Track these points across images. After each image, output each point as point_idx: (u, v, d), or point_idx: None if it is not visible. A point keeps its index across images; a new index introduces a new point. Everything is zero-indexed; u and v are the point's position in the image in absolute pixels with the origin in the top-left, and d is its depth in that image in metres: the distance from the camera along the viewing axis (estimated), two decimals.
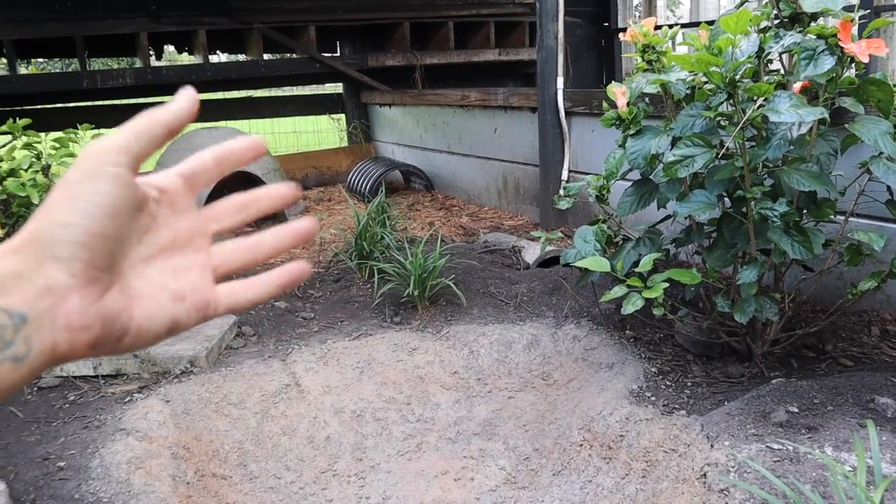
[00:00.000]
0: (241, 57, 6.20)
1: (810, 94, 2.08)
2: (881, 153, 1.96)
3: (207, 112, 5.84)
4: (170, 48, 6.50)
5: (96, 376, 2.63)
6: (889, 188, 2.17)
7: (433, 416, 2.71)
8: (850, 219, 2.35)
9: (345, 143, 6.60)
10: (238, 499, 2.25)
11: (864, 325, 2.70)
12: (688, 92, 2.14)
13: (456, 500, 2.38)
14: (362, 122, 6.40)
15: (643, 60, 2.16)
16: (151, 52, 5.96)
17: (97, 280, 0.44)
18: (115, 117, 5.46)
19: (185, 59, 6.43)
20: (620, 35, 2.56)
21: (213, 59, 5.91)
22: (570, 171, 4.15)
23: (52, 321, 0.42)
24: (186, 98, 0.51)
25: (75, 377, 2.63)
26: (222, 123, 5.52)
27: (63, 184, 0.44)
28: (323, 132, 6.98)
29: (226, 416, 2.54)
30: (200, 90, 5.84)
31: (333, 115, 6.60)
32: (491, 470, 2.48)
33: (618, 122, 2.28)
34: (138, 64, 5.59)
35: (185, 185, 0.53)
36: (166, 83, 5.56)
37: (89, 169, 0.45)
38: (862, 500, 1.30)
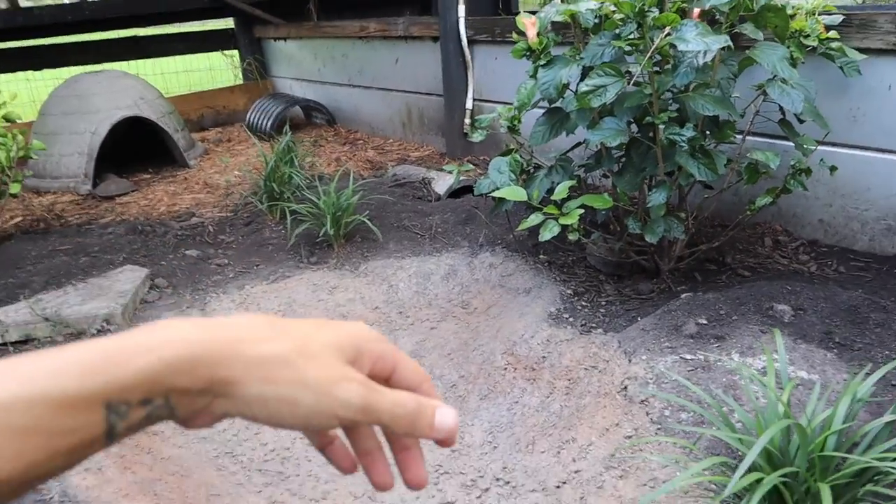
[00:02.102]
0: None
1: (708, 18, 2.16)
2: (776, 76, 2.06)
3: (90, 55, 5.50)
4: None
5: (4, 343, 2.53)
6: (781, 108, 2.29)
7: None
8: (747, 137, 2.47)
9: (240, 81, 6.37)
10: (173, 453, 2.24)
11: (759, 237, 2.88)
12: (596, 21, 2.18)
13: None
14: (257, 58, 6.18)
15: None
16: None
17: None
18: None
19: None
20: None
21: None
22: (474, 100, 4.16)
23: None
24: None
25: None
26: (108, 66, 5.21)
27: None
28: (216, 70, 6.70)
29: None
30: (78, 31, 5.48)
31: (226, 52, 6.34)
32: None
33: (528, 53, 2.31)
34: (3, 5, 5.19)
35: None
36: (40, 25, 5.18)
37: None
38: (773, 399, 1.43)
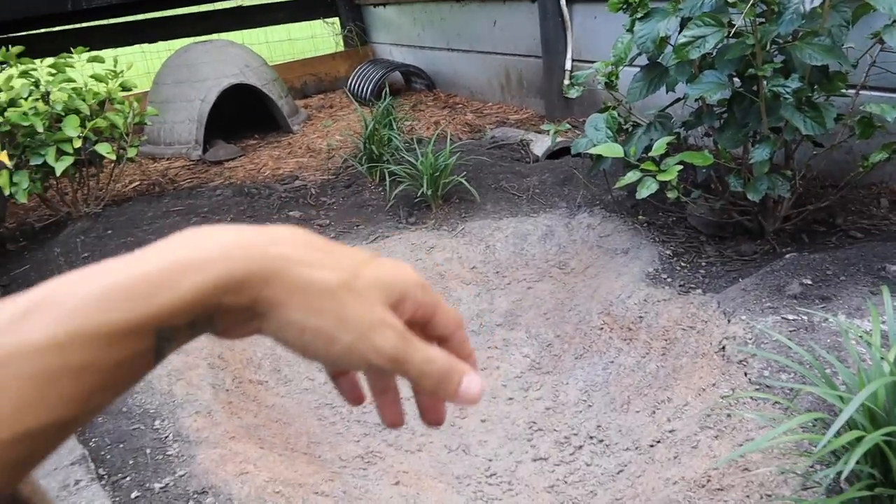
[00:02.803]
0: None
1: None
2: (894, 21, 1.94)
3: (197, 25, 5.71)
4: None
5: None
6: None
7: (456, 309, 2.79)
8: (861, 91, 2.34)
9: (341, 48, 6.48)
10: (276, 402, 2.36)
11: (874, 198, 2.73)
12: None
13: (483, 387, 2.48)
14: (357, 25, 6.26)
15: None
16: None
17: None
18: (105, 37, 5.35)
19: None
20: None
21: None
22: (573, 61, 4.10)
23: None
24: None
25: None
26: (214, 36, 5.40)
27: None
28: (318, 38, 6.83)
29: None
30: (187, 3, 5.69)
31: (327, 20, 6.45)
32: (515, 358, 2.58)
33: (625, 6, 2.25)
34: None
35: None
36: None
37: None
38: (877, 358, 1.37)
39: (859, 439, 1.18)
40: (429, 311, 0.51)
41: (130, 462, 1.90)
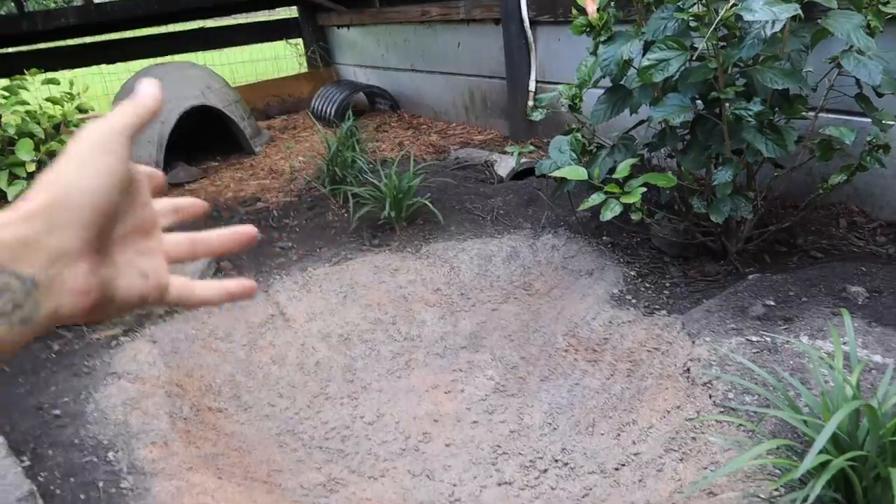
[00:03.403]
0: None
1: None
2: (851, 47, 1.97)
3: (158, 46, 5.64)
4: None
5: (79, 324, 2.62)
6: (858, 82, 2.19)
7: (419, 333, 2.75)
8: (821, 114, 2.37)
9: (304, 69, 6.45)
10: (236, 429, 2.30)
11: (833, 218, 2.77)
12: None
13: (448, 411, 2.45)
14: (321, 46, 6.24)
15: None
16: None
17: (100, 248, 0.47)
18: (61, 58, 5.26)
19: None
20: None
21: None
22: (537, 82, 4.11)
23: (59, 286, 0.45)
24: (151, 89, 0.53)
25: (57, 327, 2.61)
26: (176, 57, 5.34)
27: (73, 154, 0.46)
28: (281, 59, 6.80)
29: (214, 351, 2.56)
30: (148, 24, 5.62)
31: (290, 41, 6.43)
32: (480, 381, 2.54)
33: (588, 29, 2.26)
34: (78, 1, 5.36)
35: (148, 180, 0.55)
36: (111, 20, 5.33)
37: (98, 143, 0.47)
38: (840, 382, 1.37)
39: (824, 464, 1.17)
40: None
41: (82, 497, 1.83)
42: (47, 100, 3.27)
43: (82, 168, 0.45)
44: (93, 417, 2.11)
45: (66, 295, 0.45)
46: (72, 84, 3.31)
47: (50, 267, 0.43)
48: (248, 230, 0.60)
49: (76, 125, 3.26)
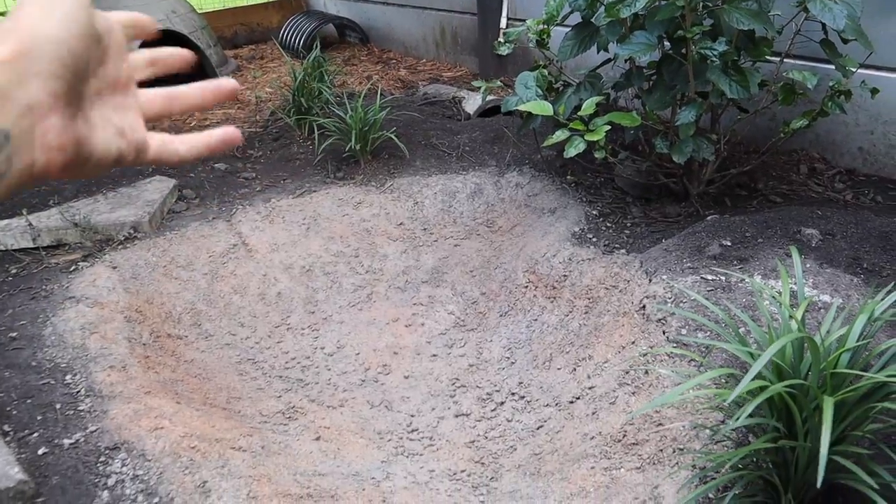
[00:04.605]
0: None
1: None
2: None
3: None
4: None
5: (37, 248, 2.58)
6: (823, 27, 2.20)
7: (381, 266, 2.76)
8: (786, 59, 2.38)
9: None
10: (196, 356, 2.30)
11: (794, 164, 2.80)
12: None
13: (408, 344, 2.48)
14: None
15: None
16: None
17: (72, 102, 0.44)
18: None
19: None
20: None
21: None
22: (508, 19, 4.06)
23: (31, 140, 0.43)
24: None
25: (15, 250, 2.58)
26: None
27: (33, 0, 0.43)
28: None
29: (175, 279, 2.54)
30: None
31: None
32: (440, 315, 2.57)
33: None
34: None
35: (123, 32, 0.52)
36: None
37: None
38: (786, 317, 1.41)
39: (763, 389, 1.21)
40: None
41: (39, 418, 1.83)
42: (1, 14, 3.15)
43: (50, 15, 0.43)
44: (50, 341, 2.10)
45: (40, 150, 0.43)
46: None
47: (21, 119, 0.42)
48: (230, 83, 0.56)
49: None
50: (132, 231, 2.64)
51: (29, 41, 0.42)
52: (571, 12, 2.27)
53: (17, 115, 0.42)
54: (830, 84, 2.25)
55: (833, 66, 2.27)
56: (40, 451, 1.72)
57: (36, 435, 1.78)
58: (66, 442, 1.75)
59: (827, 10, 2.01)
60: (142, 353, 2.17)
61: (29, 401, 1.88)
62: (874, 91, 2.28)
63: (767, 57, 2.20)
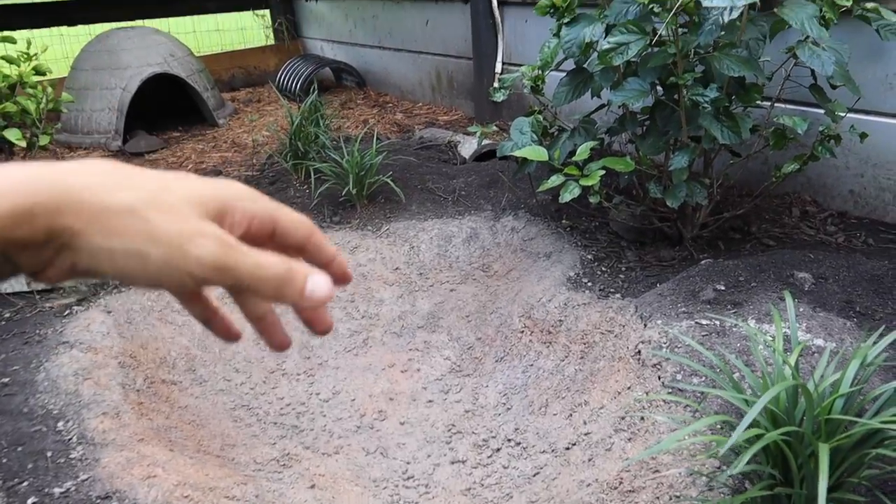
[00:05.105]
0: None
1: None
2: (807, 37, 2.00)
3: (123, 10, 5.52)
4: None
5: (31, 292, 2.58)
6: (812, 73, 2.23)
7: (377, 311, 2.76)
8: (776, 104, 2.42)
9: (271, 41, 6.37)
10: (190, 402, 2.29)
11: (786, 207, 2.83)
12: None
13: (404, 390, 2.46)
14: (288, 19, 6.16)
15: None
16: None
17: None
18: (20, 17, 5.09)
19: None
20: None
21: None
22: (504, 64, 4.12)
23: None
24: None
25: (8, 294, 2.58)
26: (139, 23, 5.24)
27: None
28: (248, 30, 6.70)
29: (170, 324, 2.54)
30: None
31: (258, 12, 6.33)
32: (436, 360, 2.56)
33: (552, 11, 2.27)
34: None
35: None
36: None
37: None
38: (780, 363, 1.41)
39: (759, 437, 1.20)
40: (266, 220, 0.49)
41: (29, 466, 1.81)
42: (2, 58, 3.18)
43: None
44: (43, 387, 2.09)
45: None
46: (29, 44, 3.22)
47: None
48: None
49: (32, 87, 3.18)
50: None
51: None
52: (566, 59, 2.31)
53: None
54: (820, 129, 2.29)
55: (823, 111, 2.31)
56: (30, 501, 1.70)
57: (26, 484, 1.76)
58: (57, 491, 1.73)
59: (816, 56, 2.04)
60: (135, 399, 2.16)
61: (20, 448, 1.86)
62: (863, 136, 2.31)
63: (758, 102, 2.23)
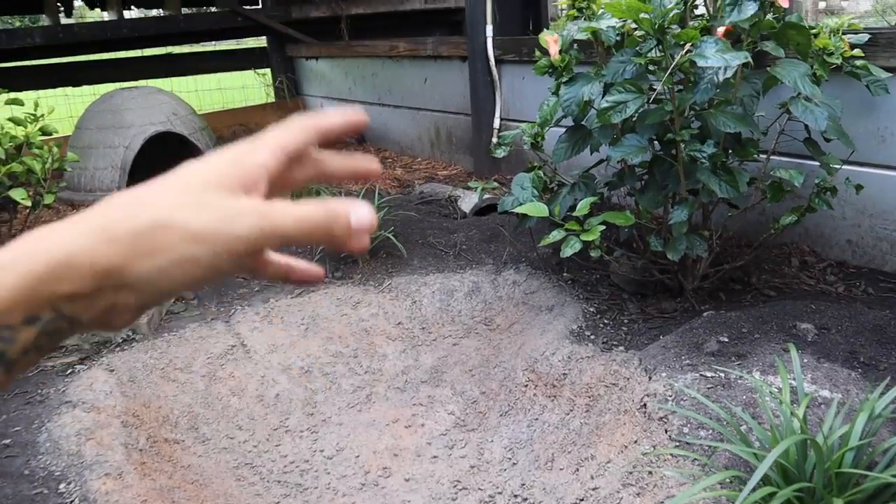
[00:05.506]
0: (158, 12, 5.98)
1: (733, 38, 2.16)
2: (800, 94, 2.05)
3: (124, 70, 5.63)
4: (79, 3, 6.20)
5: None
6: (806, 127, 2.28)
7: (380, 367, 2.76)
8: (772, 157, 2.46)
9: (272, 99, 6.47)
10: (193, 461, 2.27)
11: (785, 257, 2.85)
12: (618, 38, 2.19)
13: (408, 446, 2.45)
14: (289, 77, 6.28)
15: (574, 8, 2.20)
16: (60, 8, 5.69)
17: None
18: (24, 80, 5.21)
19: (97, 15, 6.16)
20: None
21: (128, 14, 5.68)
22: (501, 119, 4.19)
23: None
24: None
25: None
26: (142, 83, 5.33)
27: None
28: (249, 88, 6.82)
29: (173, 381, 2.53)
30: (116, 48, 5.60)
31: (259, 70, 6.45)
32: (440, 415, 2.55)
33: (550, 70, 2.32)
34: (46, 21, 5.34)
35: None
36: (79, 42, 5.32)
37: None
38: (787, 415, 1.41)
39: (772, 495, 1.20)
40: (282, 160, 0.50)
41: None
42: (9, 120, 3.23)
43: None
44: (45, 448, 2.07)
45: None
46: (36, 105, 3.27)
47: None
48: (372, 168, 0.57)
49: (38, 147, 3.22)
50: (130, 333, 2.64)
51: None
52: (564, 116, 2.35)
53: None
54: (816, 181, 2.32)
55: (818, 163, 2.35)
56: None
57: None
58: None
59: (809, 112, 2.09)
60: (138, 458, 2.14)
61: None
62: (858, 187, 2.34)
63: (754, 156, 2.27)
